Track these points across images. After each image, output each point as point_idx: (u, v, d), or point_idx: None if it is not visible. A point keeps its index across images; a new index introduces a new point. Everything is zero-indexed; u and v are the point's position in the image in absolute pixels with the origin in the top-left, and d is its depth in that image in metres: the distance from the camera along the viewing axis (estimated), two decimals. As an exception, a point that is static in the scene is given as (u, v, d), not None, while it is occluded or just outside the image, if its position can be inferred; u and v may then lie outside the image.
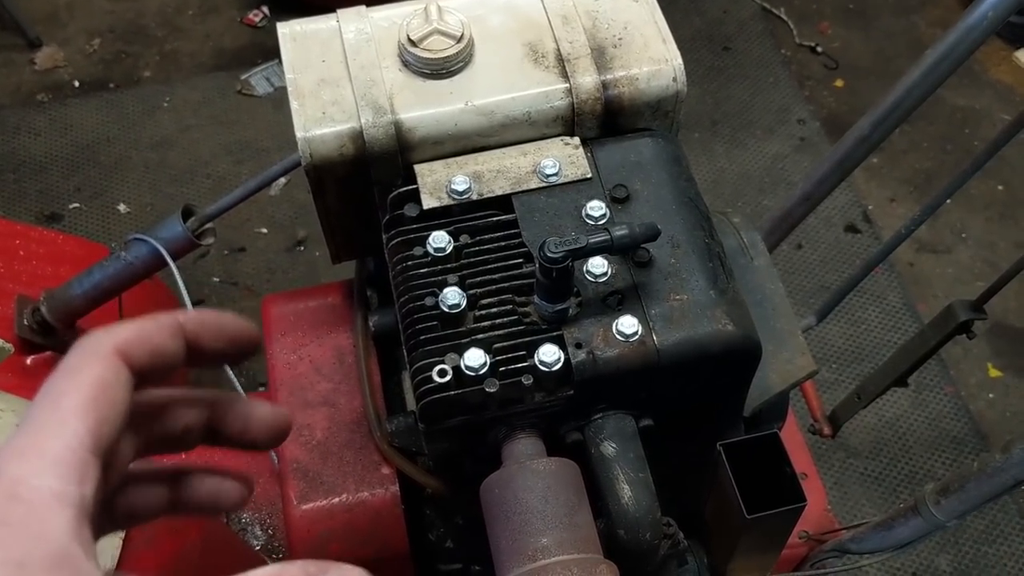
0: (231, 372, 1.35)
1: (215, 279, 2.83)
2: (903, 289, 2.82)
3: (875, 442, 2.53)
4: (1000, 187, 3.05)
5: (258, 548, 1.37)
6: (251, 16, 3.47)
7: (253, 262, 2.87)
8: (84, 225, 2.95)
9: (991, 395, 2.62)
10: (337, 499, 1.13)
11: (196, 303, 2.78)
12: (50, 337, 1.65)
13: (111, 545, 0.90)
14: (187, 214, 1.48)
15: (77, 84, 3.32)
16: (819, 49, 3.41)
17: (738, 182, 3.07)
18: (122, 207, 2.99)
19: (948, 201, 2.93)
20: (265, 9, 3.49)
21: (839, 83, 3.34)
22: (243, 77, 3.29)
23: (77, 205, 3.00)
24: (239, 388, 1.36)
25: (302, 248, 2.87)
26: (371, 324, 1.21)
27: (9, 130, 3.18)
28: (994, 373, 2.65)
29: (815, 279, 2.84)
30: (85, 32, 3.46)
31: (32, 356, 1.64)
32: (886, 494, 2.45)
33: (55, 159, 3.11)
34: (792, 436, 1.58)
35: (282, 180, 2.84)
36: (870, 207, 3.02)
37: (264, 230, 2.92)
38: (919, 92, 1.29)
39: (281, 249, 2.89)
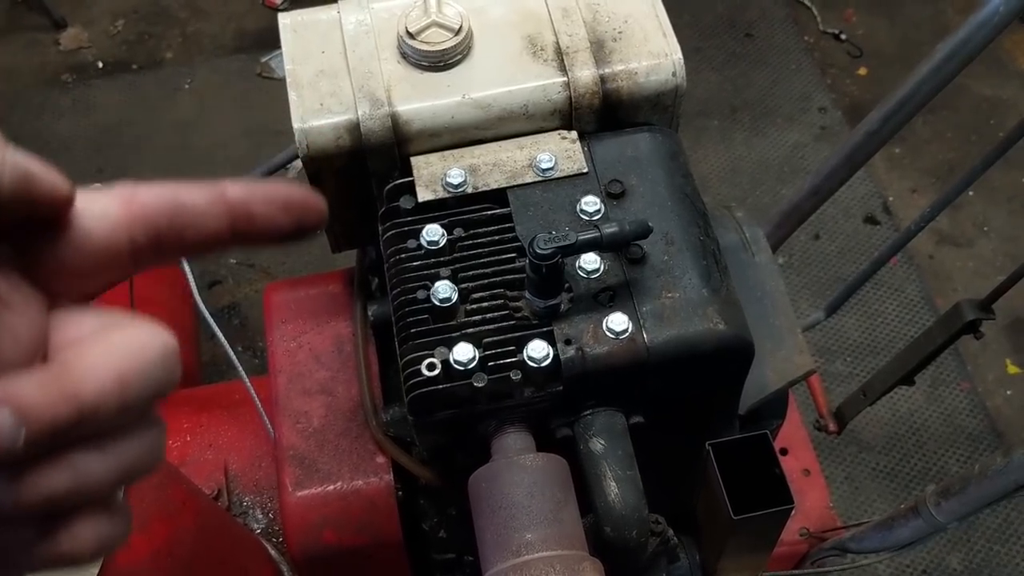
0: (234, 355, 1.36)
1: (232, 260, 2.86)
2: (922, 282, 2.79)
3: (888, 437, 2.51)
4: (1025, 179, 3.00)
5: (258, 532, 1.38)
6: (273, -2, 3.48)
7: (270, 244, 2.89)
8: (105, 206, 2.98)
9: (1009, 392, 2.59)
10: (332, 487, 1.14)
11: (212, 284, 2.81)
12: (62, 319, 1.67)
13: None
14: (195, 200, 1.49)
15: (101, 65, 3.35)
16: (843, 36, 3.36)
17: (757, 171, 3.04)
18: (142, 188, 3.02)
19: (970, 193, 2.91)
20: (287, -9, 3.50)
21: (863, 71, 3.30)
22: (264, 60, 3.31)
23: (99, 186, 3.02)
24: (241, 371, 1.37)
25: (318, 231, 2.88)
26: (370, 313, 1.21)
27: (34, 110, 3.21)
28: (1012, 370, 2.62)
29: (832, 270, 2.81)
30: (109, 13, 3.48)
31: (44, 337, 1.66)
32: (898, 490, 2.43)
33: (78, 139, 3.14)
34: (797, 432, 1.57)
35: (299, 163, 2.85)
36: (890, 198, 2.98)
37: (281, 213, 2.94)
38: (929, 87, 1.27)
39: (298, 232, 2.90)
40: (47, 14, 3.39)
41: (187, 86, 3.28)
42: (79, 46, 3.39)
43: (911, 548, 1.30)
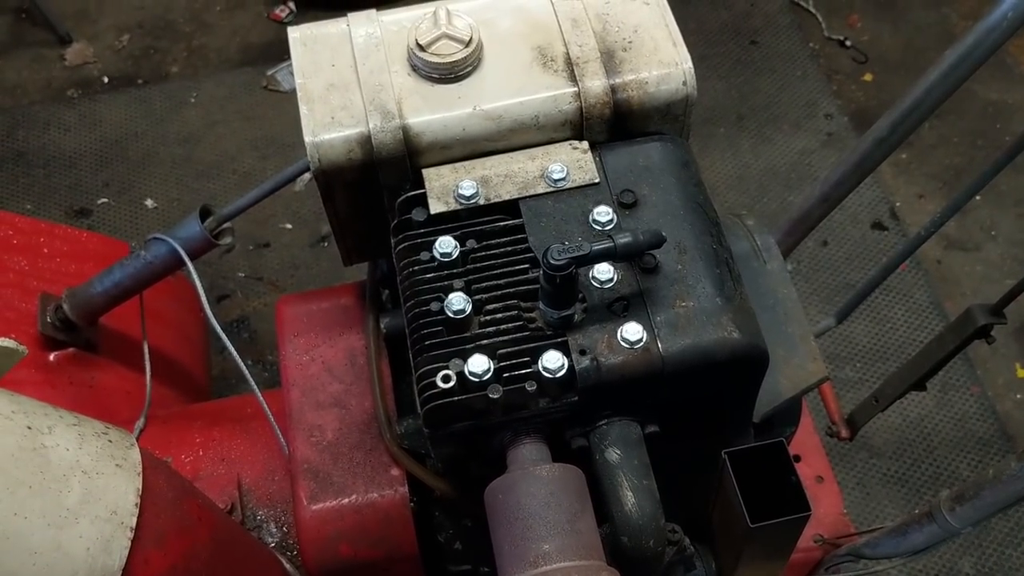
0: (246, 369, 1.36)
1: (240, 274, 2.86)
2: (930, 287, 2.78)
3: (899, 442, 2.50)
4: (1032, 183, 2.99)
5: (273, 545, 1.38)
6: (277, 12, 3.49)
7: (278, 257, 2.89)
8: (112, 220, 2.99)
9: (1018, 396, 2.58)
10: (347, 500, 1.14)
11: (221, 298, 2.81)
12: (72, 334, 1.67)
13: (119, 545, 0.91)
14: (205, 214, 1.49)
15: (106, 80, 3.36)
16: (848, 43, 3.36)
17: (764, 178, 3.04)
18: (149, 202, 3.02)
19: (977, 198, 2.90)
20: (291, 5, 3.50)
21: (868, 77, 3.30)
22: (269, 73, 3.31)
23: (106, 200, 3.04)
24: (253, 384, 1.37)
25: (326, 244, 2.88)
26: (382, 326, 1.21)
27: (40, 125, 3.22)
28: (1022, 374, 2.61)
29: (840, 277, 2.81)
30: (114, 28, 3.49)
31: (55, 352, 1.66)
32: (909, 495, 2.42)
33: (84, 154, 3.15)
34: (809, 438, 1.57)
35: (307, 175, 2.85)
36: (898, 204, 2.98)
37: (289, 226, 2.94)
38: (938, 93, 1.27)
39: (305, 244, 2.91)
40: (52, 30, 3.40)
41: (193, 100, 3.29)
42: (84, 61, 3.40)
43: (924, 553, 1.30)
